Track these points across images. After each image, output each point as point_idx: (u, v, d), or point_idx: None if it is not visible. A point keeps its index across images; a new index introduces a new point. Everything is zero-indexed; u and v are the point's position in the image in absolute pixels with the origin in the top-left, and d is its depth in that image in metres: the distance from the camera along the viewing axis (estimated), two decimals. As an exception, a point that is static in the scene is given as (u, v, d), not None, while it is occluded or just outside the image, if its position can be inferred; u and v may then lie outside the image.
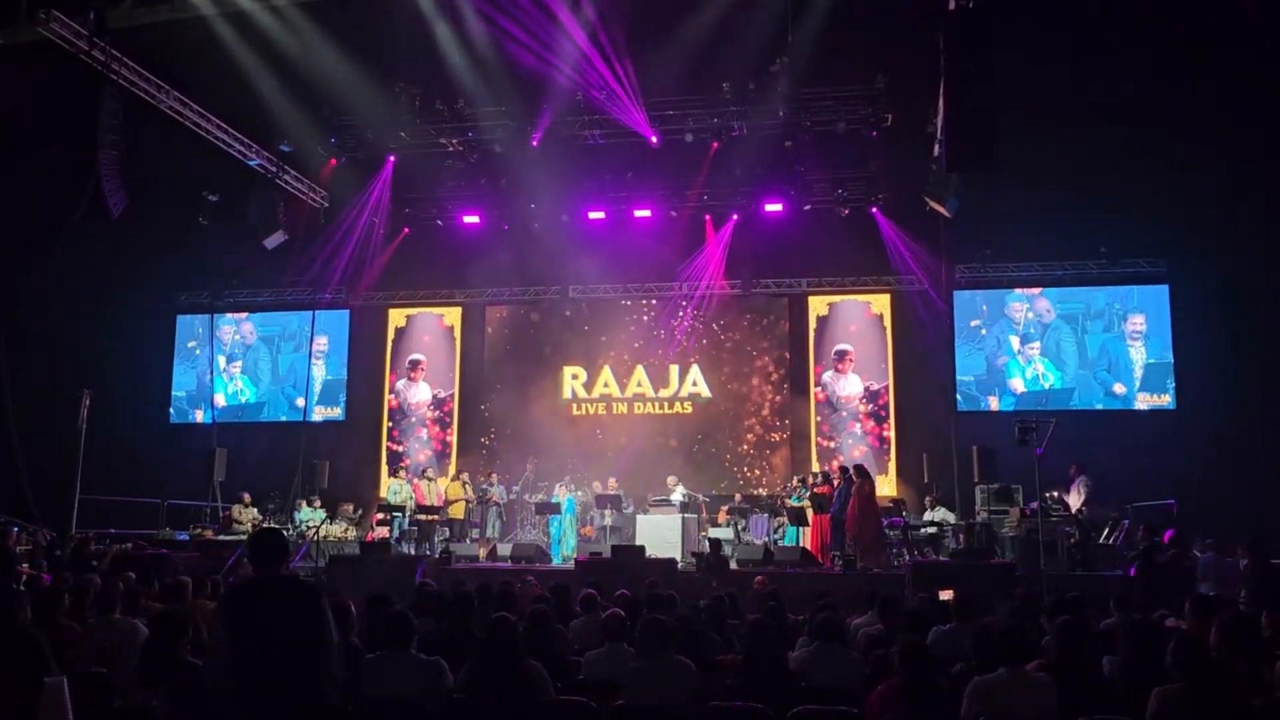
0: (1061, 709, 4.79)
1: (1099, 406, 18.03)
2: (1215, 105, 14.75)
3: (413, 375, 20.86)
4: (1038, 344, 18.53)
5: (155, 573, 9.51)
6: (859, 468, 14.37)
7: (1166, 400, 17.83)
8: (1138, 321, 18.21)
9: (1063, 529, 13.31)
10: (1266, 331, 16.21)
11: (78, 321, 19.04)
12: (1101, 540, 13.74)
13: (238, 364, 21.52)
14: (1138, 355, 18.16)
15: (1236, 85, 14.46)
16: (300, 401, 20.67)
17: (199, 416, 21.18)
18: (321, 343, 20.89)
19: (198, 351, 21.55)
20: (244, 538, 14.85)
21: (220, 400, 21.11)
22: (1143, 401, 17.94)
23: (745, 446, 19.36)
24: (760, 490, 18.56)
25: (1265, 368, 16.17)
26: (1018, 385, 18.51)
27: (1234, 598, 9.59)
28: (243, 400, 21.40)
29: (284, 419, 20.72)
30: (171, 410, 21.43)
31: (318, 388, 20.88)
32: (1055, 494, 13.99)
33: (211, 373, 20.99)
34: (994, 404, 18.53)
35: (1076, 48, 14.65)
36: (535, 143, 17.48)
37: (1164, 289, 18.12)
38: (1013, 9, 12.32)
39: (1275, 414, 15.73)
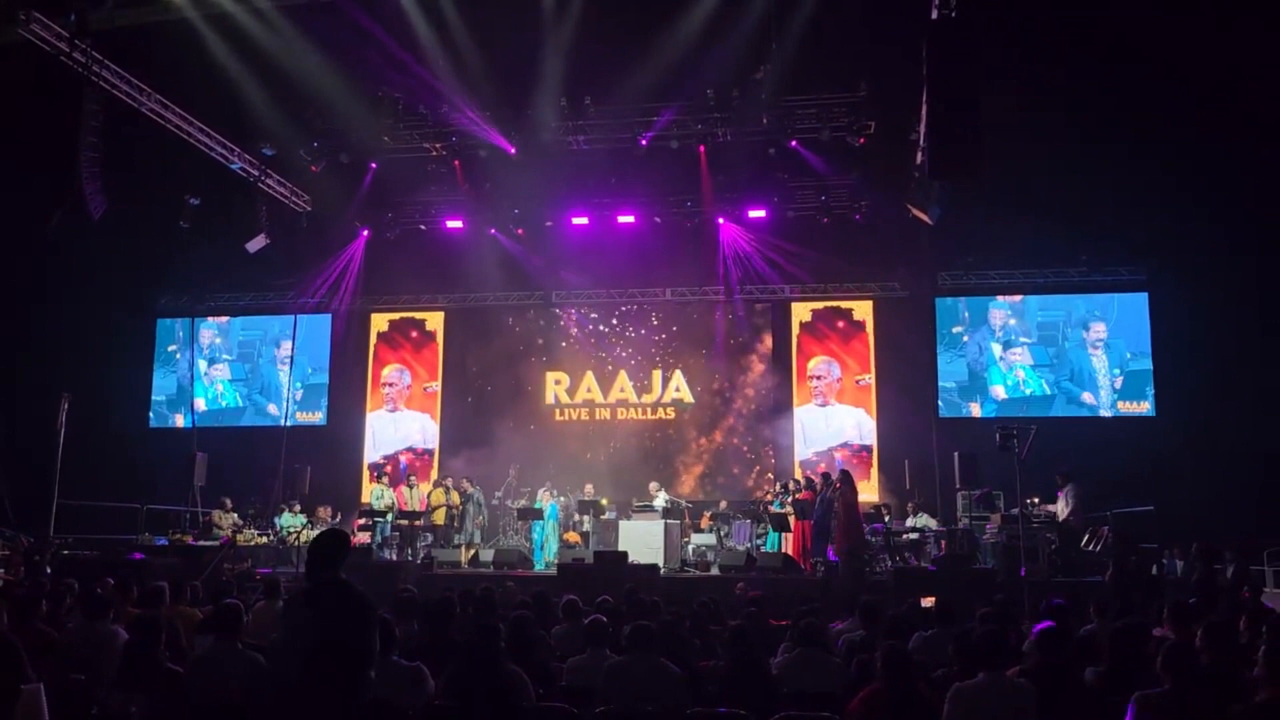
0: (1041, 714, 4.81)
1: (1078, 413, 18.14)
2: (1196, 117, 14.86)
3: (395, 382, 20.81)
4: (1019, 350, 18.63)
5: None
6: (844, 473, 14.39)
7: (1146, 407, 17.96)
8: (1099, 330, 18.35)
9: (1044, 535, 13.36)
10: (1244, 339, 16.35)
11: (57, 324, 18.88)
12: (1082, 546, 13.80)
13: (218, 368, 21.41)
14: (1100, 364, 18.27)
15: (1217, 99, 14.58)
16: (273, 408, 20.60)
17: (179, 421, 21.05)
18: (301, 347, 20.77)
19: (178, 355, 21.43)
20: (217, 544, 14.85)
21: (201, 404, 20.97)
22: (1121, 408, 18.06)
23: (728, 452, 19.37)
24: (747, 487, 18.66)
25: (1243, 375, 16.31)
26: (999, 392, 18.60)
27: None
28: (223, 404, 21.28)
29: (265, 423, 20.62)
30: (151, 414, 21.30)
31: (299, 392, 20.78)
32: (1036, 500, 14.03)
33: (192, 376, 20.85)
34: (975, 410, 18.61)
35: (1060, 57, 14.73)
36: (512, 151, 17.44)
37: (1143, 297, 18.26)
38: (995, 18, 12.39)
39: (1253, 421, 15.86)
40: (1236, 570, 10.75)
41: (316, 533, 15.82)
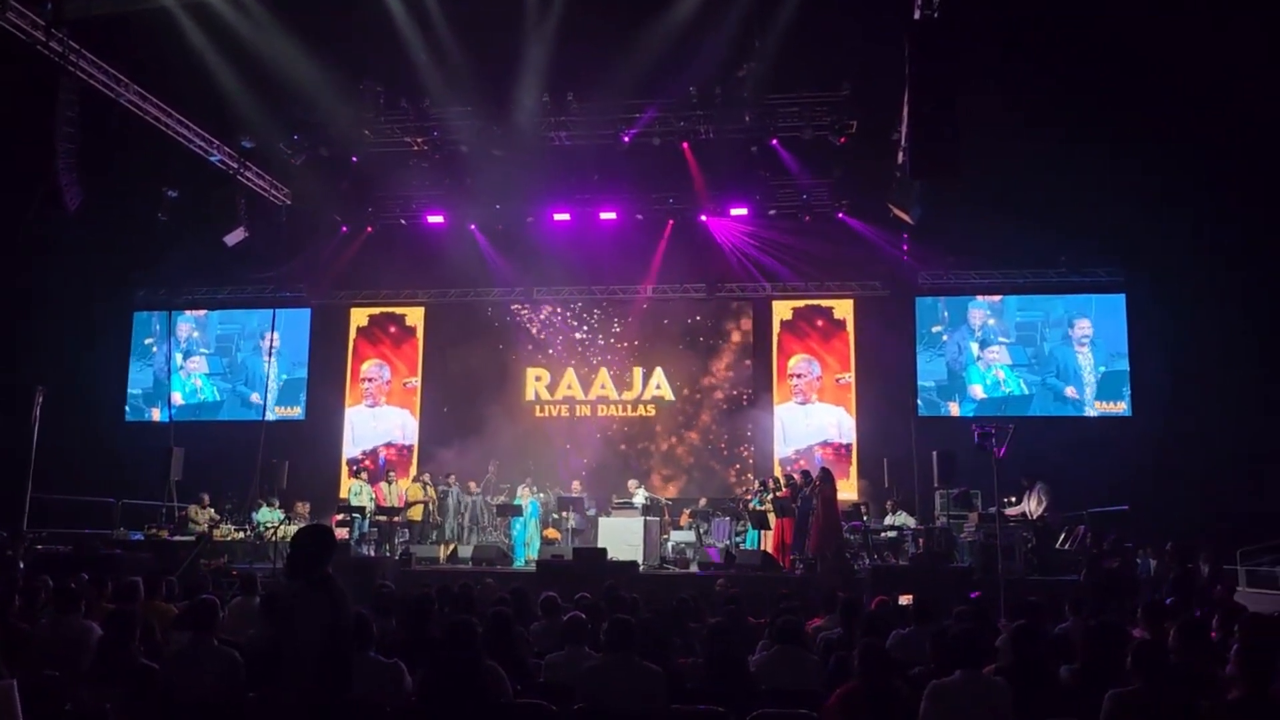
0: (1017, 711, 4.84)
1: (1056, 413, 18.26)
2: (1176, 119, 14.96)
3: (374, 377, 20.73)
4: (997, 350, 18.74)
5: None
6: (823, 471, 14.42)
7: (1122, 408, 18.10)
8: (1084, 326, 18.49)
9: (1020, 533, 13.43)
10: (1220, 341, 16.49)
11: (32, 318, 18.68)
12: (1058, 545, 13.89)
13: (195, 361, 21.26)
14: (1085, 361, 18.41)
15: (1198, 101, 14.67)
16: (255, 397, 20.46)
17: (155, 415, 20.89)
18: (280, 341, 20.65)
19: (155, 349, 21.26)
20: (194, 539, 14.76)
21: (178, 398, 20.81)
22: (1098, 408, 18.20)
23: (708, 449, 19.40)
24: (727, 484, 18.70)
25: (1219, 376, 16.44)
26: (977, 391, 18.70)
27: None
28: (200, 399, 21.13)
29: (242, 418, 20.48)
30: (128, 408, 21.13)
31: (277, 387, 20.65)
32: (1012, 499, 14.09)
33: (169, 370, 20.69)
34: (954, 409, 18.71)
35: (1041, 58, 14.80)
36: (494, 146, 17.38)
37: (1120, 298, 18.41)
38: (977, 18, 12.43)
39: (1228, 421, 16.00)
40: (1212, 570, 10.86)
41: (294, 528, 15.80)
